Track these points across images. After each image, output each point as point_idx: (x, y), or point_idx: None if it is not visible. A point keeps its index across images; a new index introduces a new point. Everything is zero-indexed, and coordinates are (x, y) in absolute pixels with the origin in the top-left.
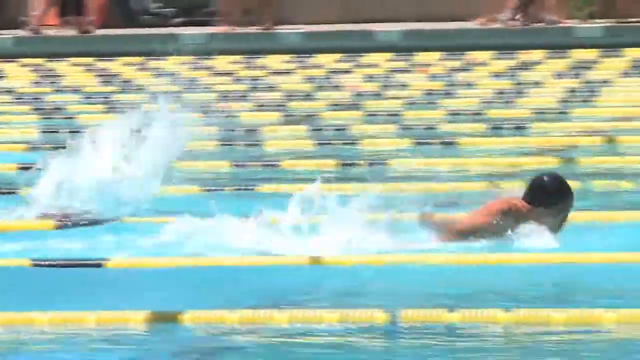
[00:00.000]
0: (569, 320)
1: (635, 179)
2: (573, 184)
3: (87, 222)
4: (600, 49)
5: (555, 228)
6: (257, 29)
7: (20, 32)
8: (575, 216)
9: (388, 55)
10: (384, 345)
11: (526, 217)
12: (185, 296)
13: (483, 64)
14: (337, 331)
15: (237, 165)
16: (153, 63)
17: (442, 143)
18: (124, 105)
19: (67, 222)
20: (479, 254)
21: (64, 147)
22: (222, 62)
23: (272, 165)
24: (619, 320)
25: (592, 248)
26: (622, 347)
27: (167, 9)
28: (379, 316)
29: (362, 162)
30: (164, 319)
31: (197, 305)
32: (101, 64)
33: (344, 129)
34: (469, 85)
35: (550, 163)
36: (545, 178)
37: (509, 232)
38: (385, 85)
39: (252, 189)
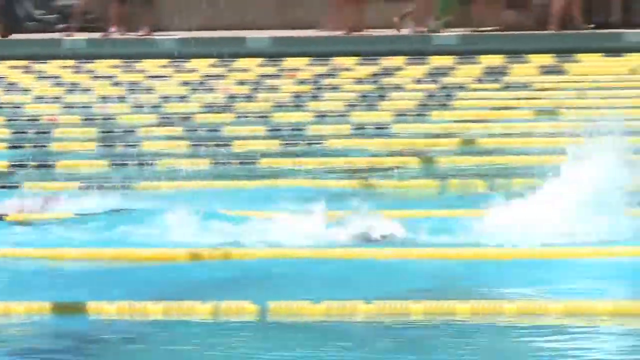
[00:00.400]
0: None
1: (489, 179)
2: (432, 183)
3: None
4: (456, 56)
5: None
6: (136, 36)
7: None
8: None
9: (258, 60)
10: (254, 337)
11: None
12: None
13: (348, 69)
14: (209, 323)
15: (115, 165)
16: (37, 66)
17: (308, 144)
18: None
19: None
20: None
21: None
22: (101, 66)
23: (148, 164)
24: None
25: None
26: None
27: (51, 16)
28: (249, 308)
29: (234, 161)
30: None
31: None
32: None
33: (217, 130)
34: (334, 89)
35: (410, 162)
36: None
37: None
38: (255, 89)
39: (129, 187)
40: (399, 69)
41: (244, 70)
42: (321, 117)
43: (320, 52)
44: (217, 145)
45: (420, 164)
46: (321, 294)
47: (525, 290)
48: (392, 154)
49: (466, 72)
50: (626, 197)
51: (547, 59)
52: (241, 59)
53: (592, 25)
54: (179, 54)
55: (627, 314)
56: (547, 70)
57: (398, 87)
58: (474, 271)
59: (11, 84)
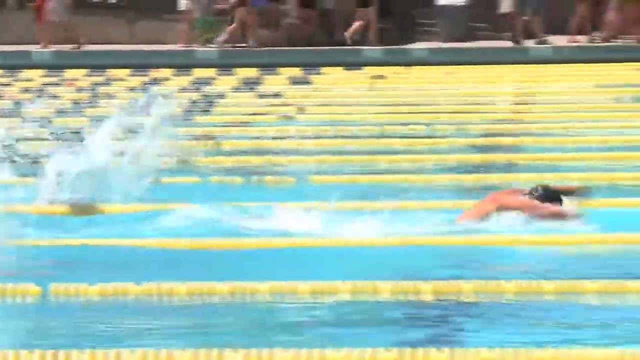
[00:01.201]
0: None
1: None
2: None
3: None
4: (217, 69)
5: None
6: None
7: None
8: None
9: (41, 71)
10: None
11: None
12: None
13: (121, 79)
14: None
15: None
16: None
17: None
18: None
19: None
20: None
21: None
22: None
23: None
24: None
25: None
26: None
27: None
28: (32, 289)
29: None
30: None
31: None
32: None
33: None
34: (109, 96)
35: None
36: None
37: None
38: (39, 97)
39: None
40: (166, 79)
41: (29, 79)
42: (98, 121)
43: (96, 64)
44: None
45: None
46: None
47: None
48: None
49: (224, 82)
50: None
51: (296, 72)
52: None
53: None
54: None
55: None
56: (296, 81)
57: (165, 96)
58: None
59: None
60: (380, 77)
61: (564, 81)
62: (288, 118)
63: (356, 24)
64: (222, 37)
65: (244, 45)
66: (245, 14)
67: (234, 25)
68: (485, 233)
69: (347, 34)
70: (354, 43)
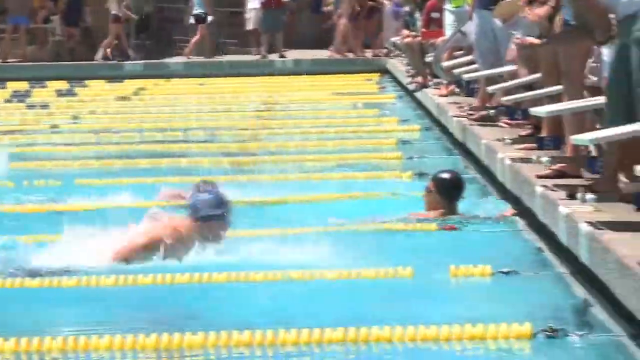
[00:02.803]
0: None
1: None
2: None
3: None
4: None
5: None
6: None
7: None
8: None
9: None
10: None
11: None
12: None
13: None
14: None
15: None
16: None
17: None
18: None
19: None
20: None
21: None
22: None
23: None
24: None
25: None
26: None
27: None
28: None
29: None
30: None
31: None
32: None
33: None
34: None
35: None
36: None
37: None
38: None
39: None
40: None
41: None
42: None
43: None
44: None
45: None
46: None
47: None
48: None
49: None
50: None
51: (63, 84)
52: None
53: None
54: None
55: None
56: (63, 93)
57: None
58: None
59: None
60: (125, 98)
61: (305, 90)
62: (55, 127)
63: (107, 40)
64: None
65: (15, 60)
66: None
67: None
68: None
69: (102, 50)
70: (114, 58)
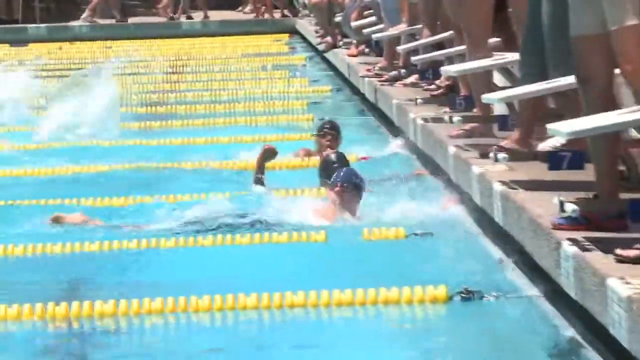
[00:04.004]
0: None
1: None
2: None
3: None
4: None
5: None
6: None
7: None
8: None
9: None
10: None
11: None
12: None
13: None
14: None
15: None
16: None
17: None
18: None
19: None
20: None
21: None
22: None
23: None
24: None
25: None
26: None
27: None
28: None
29: None
30: None
31: None
32: None
33: None
34: None
35: None
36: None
37: None
38: None
39: None
40: None
41: None
42: None
43: None
44: None
45: None
46: None
47: None
48: None
49: None
50: None
51: None
52: None
53: None
54: None
55: None
56: None
57: None
58: None
59: None
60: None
61: (214, 52)
62: None
63: None
64: None
65: None
66: None
67: None
68: None
69: None
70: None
